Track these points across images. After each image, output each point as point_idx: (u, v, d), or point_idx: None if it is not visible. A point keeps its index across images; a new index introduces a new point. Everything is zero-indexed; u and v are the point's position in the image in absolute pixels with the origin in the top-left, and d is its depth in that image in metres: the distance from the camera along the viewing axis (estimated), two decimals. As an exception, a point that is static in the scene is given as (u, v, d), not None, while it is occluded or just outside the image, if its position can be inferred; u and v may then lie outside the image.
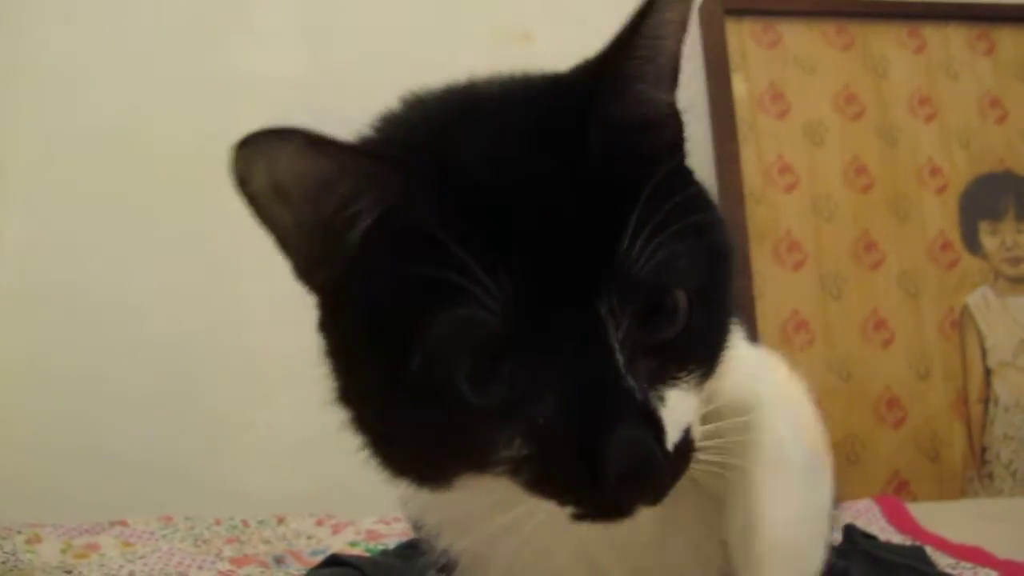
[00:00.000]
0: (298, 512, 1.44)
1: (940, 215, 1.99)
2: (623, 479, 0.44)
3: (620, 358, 0.45)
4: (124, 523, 1.33)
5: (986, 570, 1.09)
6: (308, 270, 0.52)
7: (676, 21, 0.51)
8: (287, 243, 0.51)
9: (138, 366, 1.67)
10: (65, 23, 1.75)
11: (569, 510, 0.46)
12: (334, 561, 1.01)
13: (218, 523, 1.36)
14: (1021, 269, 2.00)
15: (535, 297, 0.45)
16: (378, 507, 1.28)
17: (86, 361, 1.67)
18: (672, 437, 0.46)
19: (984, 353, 1.95)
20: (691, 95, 1.91)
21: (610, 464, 0.44)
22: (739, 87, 1.91)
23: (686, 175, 0.54)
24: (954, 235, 1.98)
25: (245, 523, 1.38)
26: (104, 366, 1.67)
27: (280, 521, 1.40)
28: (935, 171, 2.00)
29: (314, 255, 0.51)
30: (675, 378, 0.48)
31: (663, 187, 0.48)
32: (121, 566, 1.10)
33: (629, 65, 0.50)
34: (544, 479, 0.46)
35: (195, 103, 1.76)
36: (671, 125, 0.54)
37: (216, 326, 1.72)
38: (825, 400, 1.80)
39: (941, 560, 1.14)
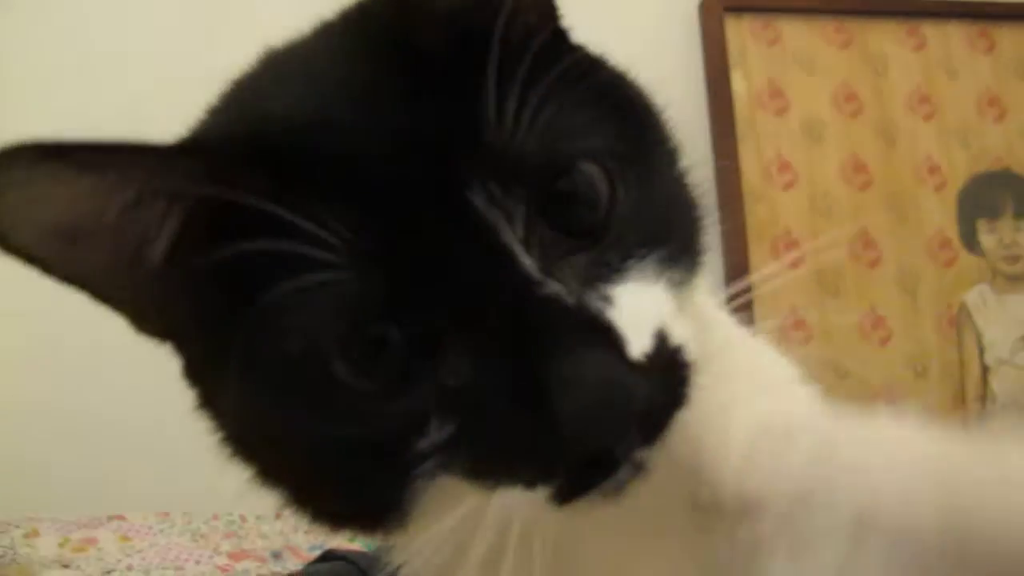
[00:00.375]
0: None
1: (938, 213, 1.99)
2: (590, 415, 0.33)
3: (527, 260, 0.34)
4: (122, 518, 1.33)
5: (981, 567, 1.09)
6: (142, 316, 0.44)
7: None
8: (104, 294, 0.42)
9: (136, 361, 1.66)
10: (60, 19, 1.75)
11: (543, 491, 0.35)
12: (331, 556, 1.01)
13: (216, 518, 1.36)
14: (1019, 267, 2.00)
15: (388, 229, 0.34)
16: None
17: (84, 355, 1.67)
18: (638, 343, 0.35)
19: (981, 351, 1.95)
20: (690, 92, 1.92)
21: (565, 402, 0.33)
22: (738, 84, 1.91)
23: (565, 42, 0.44)
24: (952, 233, 1.99)
25: (243, 518, 1.38)
26: (102, 360, 1.67)
27: (278, 516, 1.40)
28: (933, 169, 2.01)
29: (138, 297, 0.42)
30: (620, 269, 0.37)
31: (527, 43, 0.38)
32: (119, 560, 1.10)
33: None
34: (489, 460, 0.35)
35: (192, 101, 1.75)
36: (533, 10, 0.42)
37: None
38: (822, 398, 1.82)
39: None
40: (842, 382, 1.85)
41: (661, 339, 0.36)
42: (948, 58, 2.06)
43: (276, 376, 0.37)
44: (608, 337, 0.34)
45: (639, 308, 0.36)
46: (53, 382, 1.65)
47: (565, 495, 0.35)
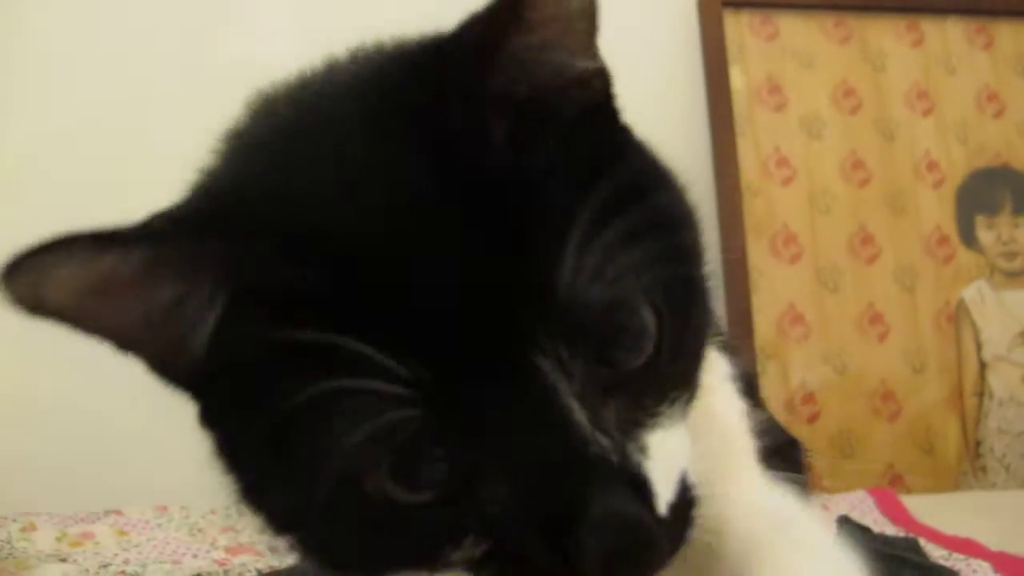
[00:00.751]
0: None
1: (937, 209, 1.99)
2: (609, 565, 0.36)
3: (581, 417, 0.36)
4: (119, 512, 1.33)
5: (978, 561, 1.09)
6: (165, 368, 0.44)
7: None
8: (129, 345, 0.43)
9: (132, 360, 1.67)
10: (58, 12, 1.75)
11: None
12: (329, 550, 1.00)
13: (213, 512, 1.36)
14: (1017, 263, 2.00)
15: (452, 365, 0.35)
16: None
17: (81, 350, 1.66)
18: (665, 495, 0.38)
19: (979, 347, 1.95)
20: (688, 87, 1.92)
21: (590, 551, 0.35)
22: (737, 80, 1.91)
23: (622, 142, 0.44)
24: (950, 229, 1.99)
25: (241, 512, 1.38)
26: (100, 355, 1.66)
27: (276, 511, 1.40)
28: (932, 165, 2.00)
29: (167, 353, 0.42)
30: (655, 414, 0.39)
31: (596, 167, 0.38)
32: (116, 554, 1.10)
33: (534, 31, 0.39)
34: (518, 573, 0.38)
35: (190, 94, 1.75)
36: (591, 86, 0.43)
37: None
38: (820, 393, 1.83)
39: (934, 552, 1.15)
40: (840, 378, 1.85)
41: (683, 486, 0.39)
42: (947, 54, 2.06)
43: (313, 464, 0.38)
44: (643, 490, 0.37)
45: (669, 456, 0.38)
46: (51, 377, 1.65)
47: None
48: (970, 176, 2.02)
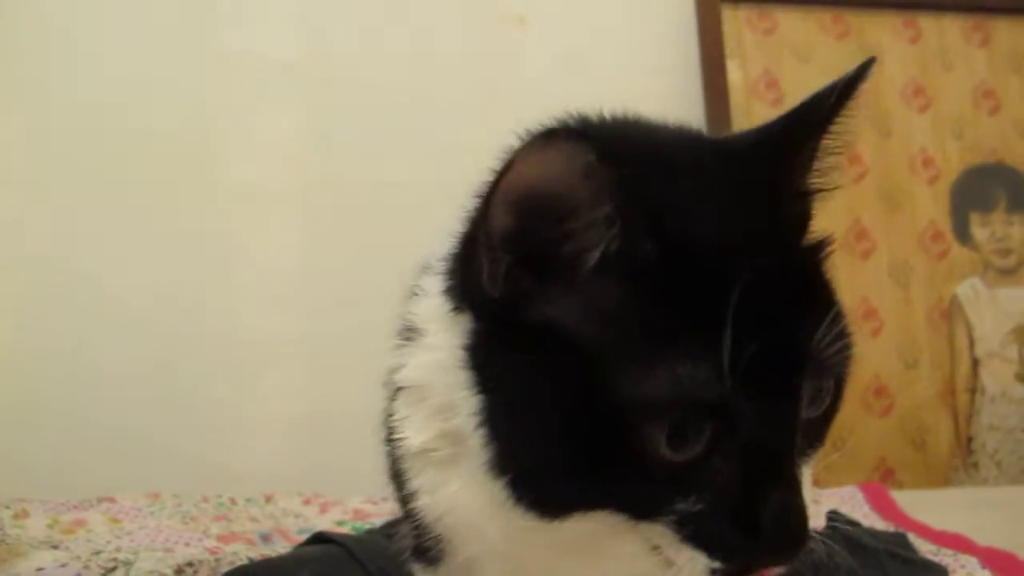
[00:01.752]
0: (286, 491, 1.45)
1: (932, 205, 1.99)
2: (779, 542, 0.47)
3: (798, 436, 0.48)
4: (112, 500, 1.33)
5: (967, 556, 1.10)
6: (494, 282, 0.50)
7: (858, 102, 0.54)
8: (487, 246, 0.49)
9: (127, 344, 1.67)
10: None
11: (715, 564, 0.48)
12: (320, 539, 1.01)
13: (205, 501, 1.37)
14: (1010, 260, 2.01)
15: (756, 368, 0.46)
16: (366, 487, 1.28)
17: (75, 338, 1.67)
18: (809, 510, 0.49)
19: (972, 343, 1.95)
20: (686, 81, 1.92)
21: (772, 528, 0.46)
22: (734, 74, 1.91)
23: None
24: (945, 226, 1.99)
25: (233, 501, 1.38)
26: (93, 344, 1.67)
27: (268, 500, 1.41)
28: (927, 161, 2.01)
29: (513, 269, 0.49)
30: (807, 454, 0.51)
31: (820, 269, 0.54)
32: (108, 541, 1.10)
33: (817, 141, 0.53)
34: (706, 533, 0.48)
35: (188, 82, 1.75)
36: (810, 201, 0.57)
37: (206, 305, 1.72)
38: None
39: (923, 546, 1.15)
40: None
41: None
42: (944, 51, 2.06)
43: (599, 397, 0.46)
44: (803, 499, 0.48)
45: (807, 484, 0.50)
46: (45, 366, 1.65)
47: (724, 572, 0.48)
48: (965, 173, 2.02)
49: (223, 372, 1.70)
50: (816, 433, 0.52)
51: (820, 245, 0.57)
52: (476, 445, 0.51)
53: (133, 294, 1.69)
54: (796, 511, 0.47)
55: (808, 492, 0.49)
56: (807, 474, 0.50)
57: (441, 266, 0.57)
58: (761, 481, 0.47)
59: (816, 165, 0.54)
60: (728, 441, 0.47)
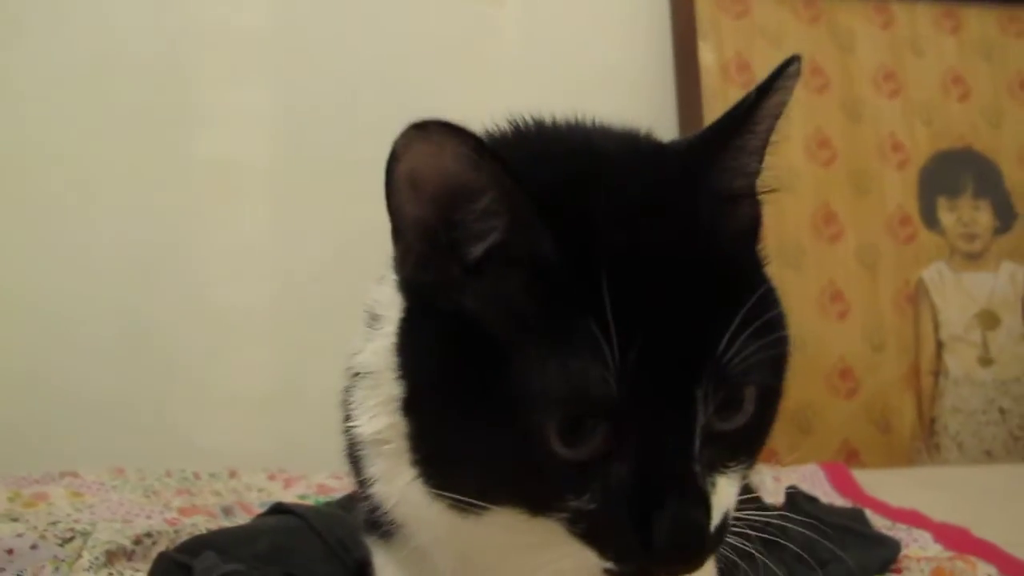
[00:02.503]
0: (251, 467, 1.45)
1: (900, 190, 2.01)
2: (671, 552, 0.47)
3: (697, 442, 0.47)
4: (75, 474, 1.33)
5: (920, 531, 1.12)
6: (410, 268, 0.51)
7: (785, 101, 0.53)
8: (400, 233, 0.51)
9: (95, 319, 1.66)
10: None
11: (607, 564, 0.48)
12: (279, 509, 1.01)
13: (169, 475, 1.36)
14: (976, 245, 2.03)
15: (646, 369, 0.45)
16: (332, 464, 1.28)
17: (42, 312, 1.65)
18: (715, 521, 0.48)
19: (937, 327, 1.98)
20: (658, 63, 1.92)
21: (664, 537, 0.46)
22: (706, 56, 1.91)
23: (762, 265, 0.56)
24: (912, 210, 2.01)
25: (196, 475, 1.38)
26: (60, 318, 1.66)
27: (232, 475, 1.40)
28: (897, 146, 2.02)
29: (423, 255, 0.50)
30: (726, 467, 0.50)
31: (751, 276, 0.52)
32: (68, 514, 1.10)
33: (742, 140, 0.52)
34: (598, 533, 0.48)
35: (157, 54, 1.74)
36: (754, 203, 0.56)
37: (174, 280, 1.71)
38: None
39: (879, 522, 1.17)
40: (799, 354, 1.87)
41: (723, 522, 0.50)
42: (915, 37, 2.07)
43: (493, 391, 0.47)
44: (707, 511, 0.48)
45: (724, 497, 0.49)
46: (7, 339, 1.64)
47: (618, 574, 0.49)
48: (934, 158, 2.04)
49: (190, 347, 1.69)
50: (738, 446, 0.51)
51: (751, 236, 0.56)
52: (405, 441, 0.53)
53: (100, 267, 1.67)
54: (689, 524, 0.47)
55: (722, 504, 0.49)
56: (725, 487, 0.50)
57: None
58: (656, 488, 0.46)
59: (743, 165, 0.53)
60: (625, 444, 0.47)
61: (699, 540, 0.47)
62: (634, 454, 0.47)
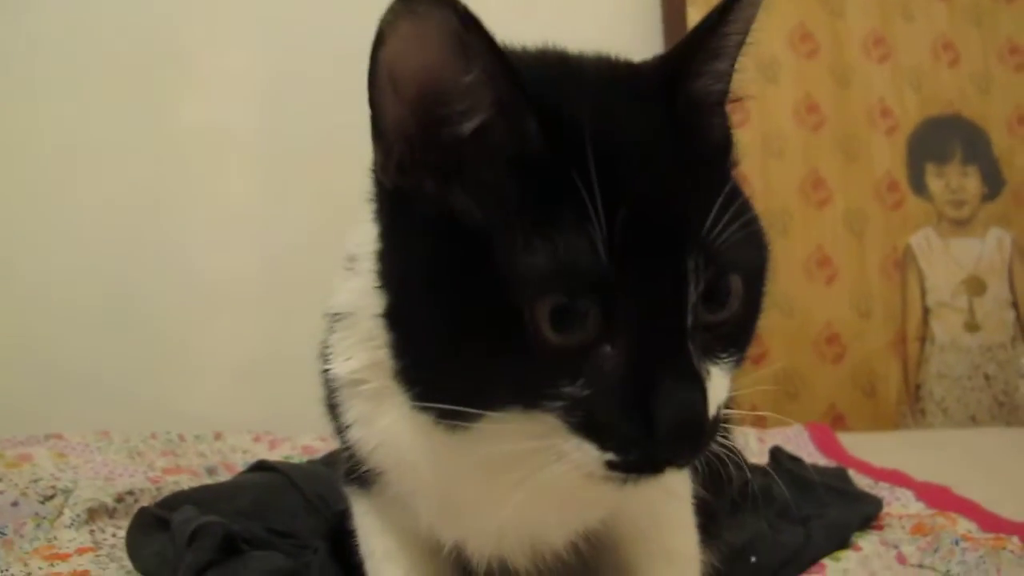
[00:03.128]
0: (236, 429, 1.45)
1: (888, 156, 2.01)
2: (673, 434, 0.45)
3: (690, 319, 0.46)
4: (60, 436, 1.33)
5: (902, 489, 1.13)
6: (392, 172, 0.50)
7: (755, 11, 0.53)
8: (381, 134, 0.49)
9: (80, 285, 1.65)
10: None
11: (608, 456, 0.46)
12: (261, 467, 1.01)
13: (154, 437, 1.36)
14: (964, 212, 2.03)
15: (634, 244, 0.45)
16: (316, 427, 1.28)
17: (28, 278, 1.64)
18: (712, 411, 0.47)
19: (924, 293, 1.98)
20: (647, 24, 1.91)
21: (666, 418, 0.45)
22: (694, 19, 1.89)
23: (736, 180, 0.56)
24: (901, 176, 2.01)
25: (181, 437, 1.38)
26: (46, 286, 1.65)
27: (217, 437, 1.40)
28: (886, 112, 2.02)
29: (404, 157, 0.49)
30: (719, 357, 0.49)
31: (727, 174, 0.52)
32: (52, 474, 1.10)
33: (714, 43, 0.52)
34: (595, 421, 0.46)
35: (144, 21, 1.72)
36: (725, 118, 0.56)
37: (159, 246, 1.70)
38: (766, 335, 1.85)
39: (861, 481, 1.18)
40: (786, 320, 1.88)
41: (716, 415, 0.49)
42: (905, 2, 2.06)
43: (480, 282, 0.46)
44: (704, 395, 0.47)
45: (718, 387, 0.48)
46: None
47: (620, 466, 0.47)
48: (922, 124, 2.04)
49: (176, 314, 1.69)
50: (729, 337, 0.50)
51: (724, 147, 0.55)
52: (390, 355, 0.51)
53: (86, 234, 1.66)
54: (688, 404, 0.45)
55: (717, 395, 0.48)
56: (719, 378, 0.48)
57: (371, 197, 0.56)
58: (651, 369, 0.45)
59: (715, 70, 0.53)
60: (616, 328, 0.46)
61: (699, 422, 0.46)
62: (627, 334, 0.46)
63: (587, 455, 0.47)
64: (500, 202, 0.47)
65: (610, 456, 0.46)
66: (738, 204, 0.49)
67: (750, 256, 0.51)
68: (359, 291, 0.57)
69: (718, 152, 0.54)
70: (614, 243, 0.44)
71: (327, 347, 0.61)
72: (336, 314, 0.60)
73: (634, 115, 0.49)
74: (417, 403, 0.50)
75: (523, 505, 0.54)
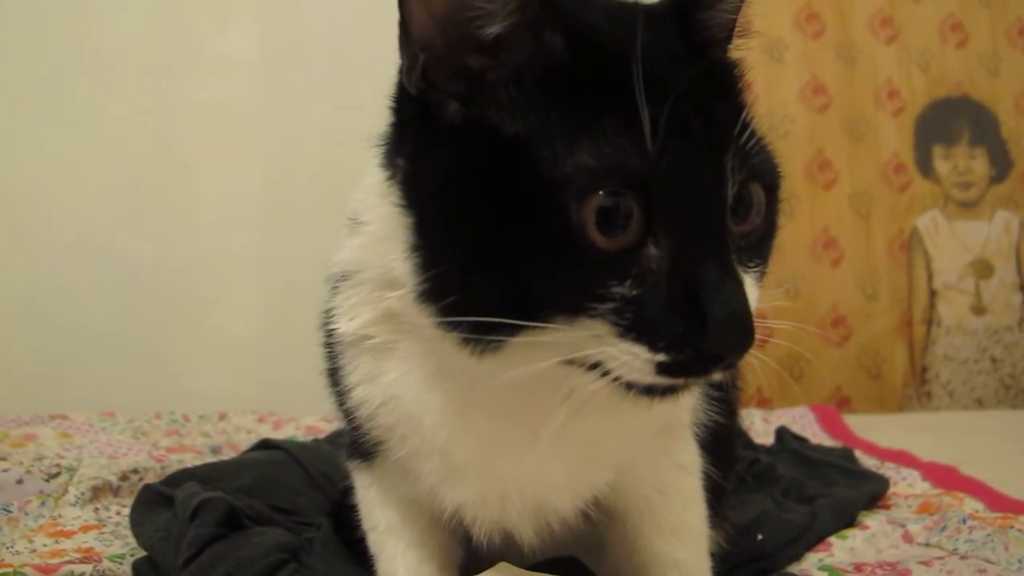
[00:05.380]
0: (241, 409, 1.44)
1: (895, 137, 1.99)
2: (725, 328, 0.45)
3: (730, 219, 0.48)
4: (64, 416, 1.33)
5: (908, 469, 1.12)
6: (417, 74, 0.50)
7: None
8: (407, 33, 0.49)
9: (85, 266, 1.65)
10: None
11: (659, 358, 0.46)
12: (265, 445, 1.01)
13: (158, 417, 1.36)
14: (971, 194, 2.02)
15: (677, 145, 0.45)
16: (320, 407, 1.28)
17: (32, 260, 1.64)
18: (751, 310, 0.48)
19: (930, 275, 1.97)
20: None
21: (716, 312, 0.45)
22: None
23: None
24: (908, 158, 1.99)
25: (186, 418, 1.38)
26: (50, 265, 1.64)
27: (221, 417, 1.40)
28: (893, 93, 2.00)
29: (430, 55, 0.49)
30: (747, 266, 0.50)
31: (746, 99, 0.53)
32: (56, 453, 1.10)
33: None
34: (646, 321, 0.46)
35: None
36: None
37: (165, 227, 1.69)
38: (772, 317, 1.84)
39: (867, 461, 1.17)
40: (792, 302, 1.87)
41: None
42: (913, -19, 2.04)
43: (524, 186, 0.46)
44: (745, 292, 0.47)
45: (751, 294, 0.48)
46: (2, 289, 1.63)
47: (671, 367, 0.46)
48: (930, 105, 2.02)
49: (181, 294, 1.68)
50: (754, 248, 0.51)
51: (733, 65, 0.56)
52: (409, 282, 0.51)
53: (90, 215, 1.66)
54: (736, 297, 0.46)
55: (751, 297, 0.48)
56: (749, 283, 0.49)
57: (380, 141, 0.56)
58: (697, 267, 0.46)
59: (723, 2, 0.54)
60: (660, 227, 0.46)
61: (747, 314, 0.46)
62: (672, 233, 0.46)
63: (638, 358, 0.46)
64: (535, 111, 0.47)
65: (661, 357, 0.46)
66: (755, 124, 0.50)
67: (770, 169, 0.52)
68: (362, 248, 0.57)
69: (734, 74, 0.55)
70: (657, 142, 0.45)
71: (330, 310, 0.61)
72: (340, 274, 0.60)
73: (656, 32, 0.50)
74: (449, 319, 0.49)
75: (525, 462, 0.56)
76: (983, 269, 2.00)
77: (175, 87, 1.71)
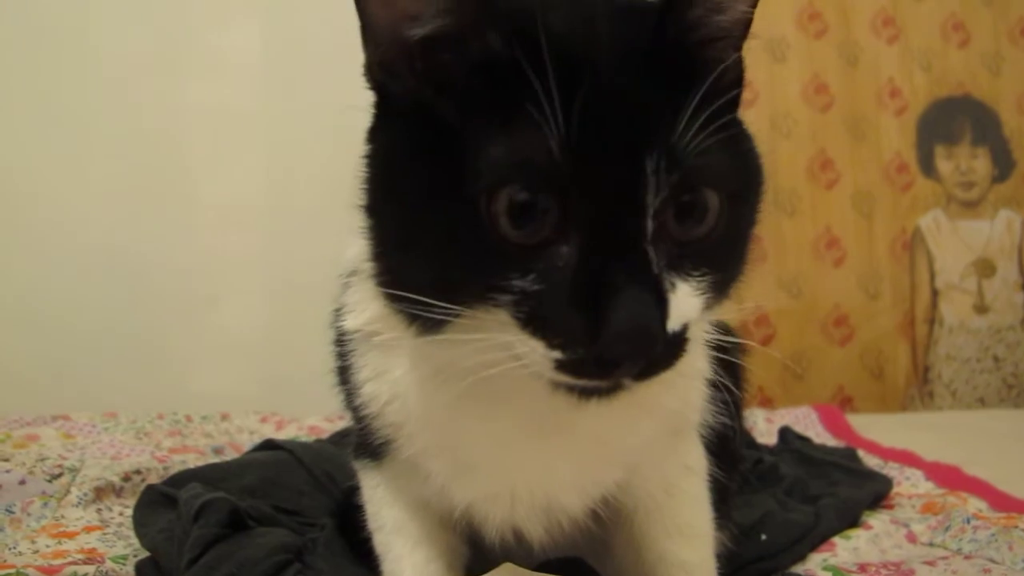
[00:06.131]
0: (243, 410, 1.44)
1: (897, 137, 1.99)
2: (620, 339, 0.44)
3: (650, 224, 0.46)
4: (67, 417, 1.33)
5: (912, 469, 1.12)
6: (375, 67, 0.51)
7: None
8: (364, 27, 0.51)
9: (87, 266, 1.65)
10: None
11: (555, 355, 0.46)
12: (269, 445, 1.01)
13: (161, 418, 1.36)
14: (973, 193, 2.02)
15: (592, 142, 0.45)
16: (323, 407, 1.28)
17: (35, 261, 1.64)
18: (673, 323, 0.46)
19: (933, 275, 1.97)
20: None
21: (613, 319, 0.44)
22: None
23: (736, 114, 0.54)
24: (910, 157, 1.99)
25: (188, 418, 1.38)
26: (54, 266, 1.64)
27: (224, 417, 1.40)
28: (895, 93, 2.00)
29: (388, 56, 0.50)
30: (690, 274, 0.48)
31: (718, 101, 0.49)
32: (59, 453, 1.10)
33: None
34: (544, 318, 0.46)
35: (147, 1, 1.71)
36: (735, 63, 0.54)
37: (166, 227, 1.69)
38: (775, 317, 1.85)
39: (871, 461, 1.17)
40: (795, 302, 1.87)
41: (683, 329, 0.48)
42: (915, -20, 2.04)
43: (446, 176, 0.47)
44: (662, 305, 0.46)
45: (685, 304, 0.47)
46: (3, 290, 1.63)
47: (569, 368, 0.46)
48: (932, 105, 2.02)
49: (183, 294, 1.68)
50: (703, 256, 0.49)
51: (728, 83, 0.53)
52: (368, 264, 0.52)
53: (94, 217, 1.66)
54: (639, 307, 0.44)
55: (682, 311, 0.47)
56: (687, 294, 0.48)
57: None
58: (604, 270, 0.45)
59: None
60: (572, 226, 0.46)
61: (649, 330, 0.45)
62: (581, 233, 0.46)
63: (535, 352, 0.46)
64: (470, 102, 0.47)
65: (556, 354, 0.46)
66: (733, 132, 0.49)
67: (733, 175, 0.50)
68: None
69: (713, 80, 0.50)
70: (570, 141, 0.44)
71: (340, 307, 0.61)
72: (349, 272, 0.61)
73: (608, 25, 0.49)
74: (385, 290, 0.51)
75: (534, 460, 0.56)
76: (985, 268, 2.00)
77: (176, 87, 1.71)
